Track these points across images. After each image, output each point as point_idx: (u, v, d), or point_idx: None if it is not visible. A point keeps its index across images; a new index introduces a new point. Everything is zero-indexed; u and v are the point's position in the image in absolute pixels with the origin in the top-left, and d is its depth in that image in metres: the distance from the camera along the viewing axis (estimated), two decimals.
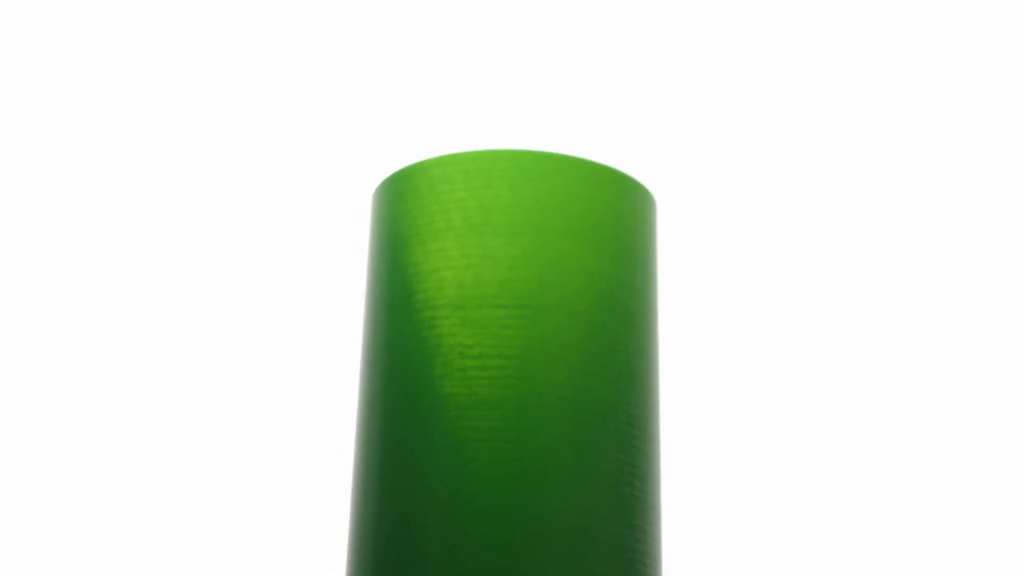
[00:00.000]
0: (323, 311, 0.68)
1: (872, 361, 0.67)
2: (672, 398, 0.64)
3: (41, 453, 0.66)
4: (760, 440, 0.65)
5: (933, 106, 0.72)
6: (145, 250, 0.70)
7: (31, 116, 0.72)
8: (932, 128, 0.71)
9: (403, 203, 0.53)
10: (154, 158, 0.71)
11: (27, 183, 0.71)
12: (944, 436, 0.66)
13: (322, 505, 0.64)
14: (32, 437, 0.66)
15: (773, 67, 0.71)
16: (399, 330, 0.51)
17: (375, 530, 0.48)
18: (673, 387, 0.65)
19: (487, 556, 0.46)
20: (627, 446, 0.49)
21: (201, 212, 0.70)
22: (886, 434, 0.66)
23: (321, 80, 0.71)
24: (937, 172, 0.71)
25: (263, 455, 0.66)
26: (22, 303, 0.69)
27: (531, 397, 0.48)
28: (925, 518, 0.64)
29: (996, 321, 0.67)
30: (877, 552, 0.64)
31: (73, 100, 0.72)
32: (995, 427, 0.65)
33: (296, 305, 0.68)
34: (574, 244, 0.51)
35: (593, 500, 0.47)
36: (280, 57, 0.72)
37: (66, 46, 0.73)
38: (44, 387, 0.67)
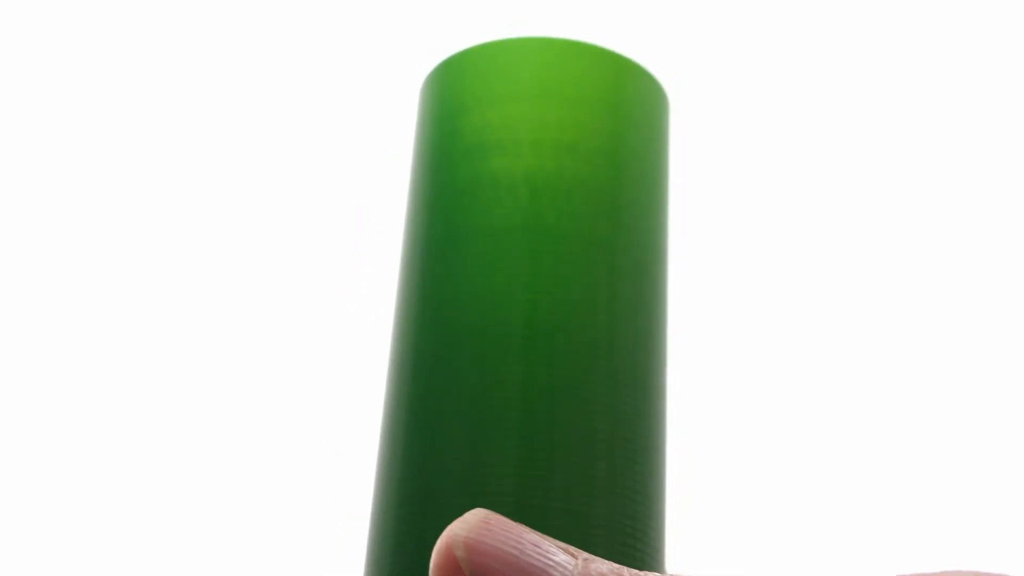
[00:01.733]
0: (373, 187, 0.75)
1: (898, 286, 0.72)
2: (682, 296, 0.71)
3: (52, 453, 0.70)
4: (764, 358, 0.71)
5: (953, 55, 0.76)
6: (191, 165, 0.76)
7: (27, 112, 0.77)
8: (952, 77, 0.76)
9: (450, 82, 0.61)
10: (178, 62, 0.77)
11: (26, 180, 0.77)
12: (947, 431, 0.69)
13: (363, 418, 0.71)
14: (39, 438, 0.71)
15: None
16: (440, 177, 0.58)
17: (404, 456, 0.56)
18: (684, 287, 0.71)
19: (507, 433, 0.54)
20: (631, 282, 0.57)
21: (241, 124, 0.76)
22: (888, 382, 0.71)
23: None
24: (963, 126, 0.76)
25: (314, 341, 0.72)
26: (25, 304, 0.74)
27: (555, 228, 0.56)
28: (929, 519, 0.68)
29: (1004, 324, 0.71)
30: (877, 546, 0.69)
31: (80, 71, 0.78)
32: (1001, 432, 0.68)
33: (339, 208, 0.75)
34: (596, 112, 0.59)
35: (602, 326, 0.55)
36: None
37: (60, 30, 0.78)
38: (56, 386, 0.73)
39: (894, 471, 0.68)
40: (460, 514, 0.52)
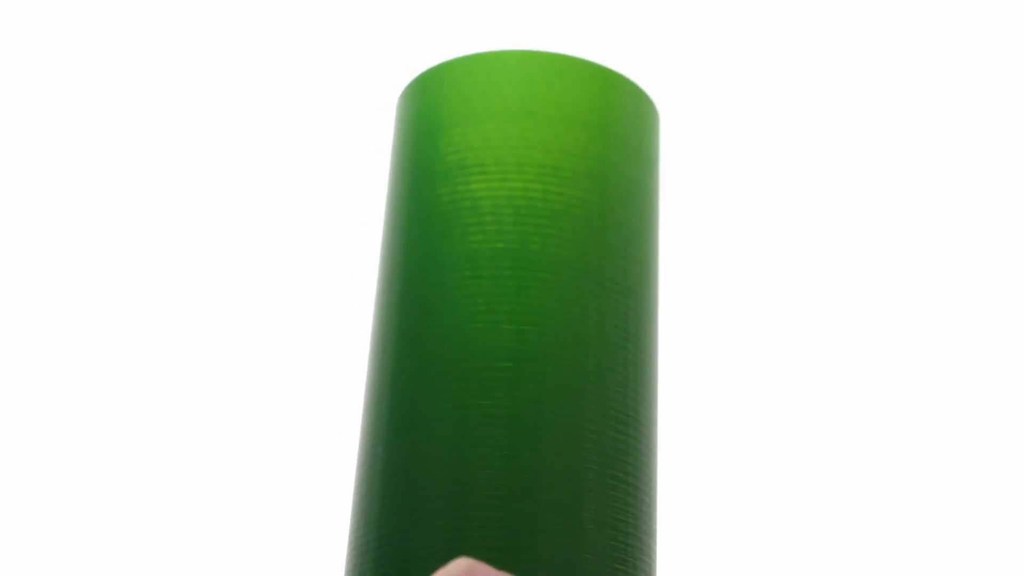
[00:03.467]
0: (348, 204, 0.72)
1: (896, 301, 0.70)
2: (673, 312, 0.68)
3: (46, 453, 0.69)
4: (760, 364, 0.69)
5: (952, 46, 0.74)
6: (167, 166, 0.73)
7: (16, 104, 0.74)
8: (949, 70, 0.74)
9: (429, 98, 0.58)
10: (166, 69, 0.74)
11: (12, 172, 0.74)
12: (943, 433, 0.68)
13: (338, 376, 0.68)
14: (35, 437, 0.69)
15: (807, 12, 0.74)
16: (419, 200, 0.55)
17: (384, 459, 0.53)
18: (674, 277, 0.69)
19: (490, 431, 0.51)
20: (621, 314, 0.54)
21: (215, 130, 0.74)
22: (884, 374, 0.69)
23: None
24: (960, 115, 0.73)
25: (288, 333, 0.70)
26: (23, 303, 0.72)
27: (540, 255, 0.53)
28: (924, 522, 0.67)
29: (996, 321, 0.70)
30: (872, 548, 0.67)
31: (62, 66, 0.75)
32: (995, 432, 0.67)
33: (325, 202, 0.72)
34: (584, 132, 0.56)
35: (587, 357, 0.52)
36: None
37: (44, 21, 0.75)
38: (50, 386, 0.70)
39: (888, 486, 0.66)
40: (443, 561, 0.49)
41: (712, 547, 0.66)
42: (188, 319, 0.70)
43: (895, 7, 0.74)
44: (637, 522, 0.52)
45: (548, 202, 0.54)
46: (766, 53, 0.75)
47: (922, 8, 0.74)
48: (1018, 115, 0.72)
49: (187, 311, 0.70)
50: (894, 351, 0.69)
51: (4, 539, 0.66)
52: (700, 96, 0.74)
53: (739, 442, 0.68)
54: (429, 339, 0.53)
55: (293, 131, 0.74)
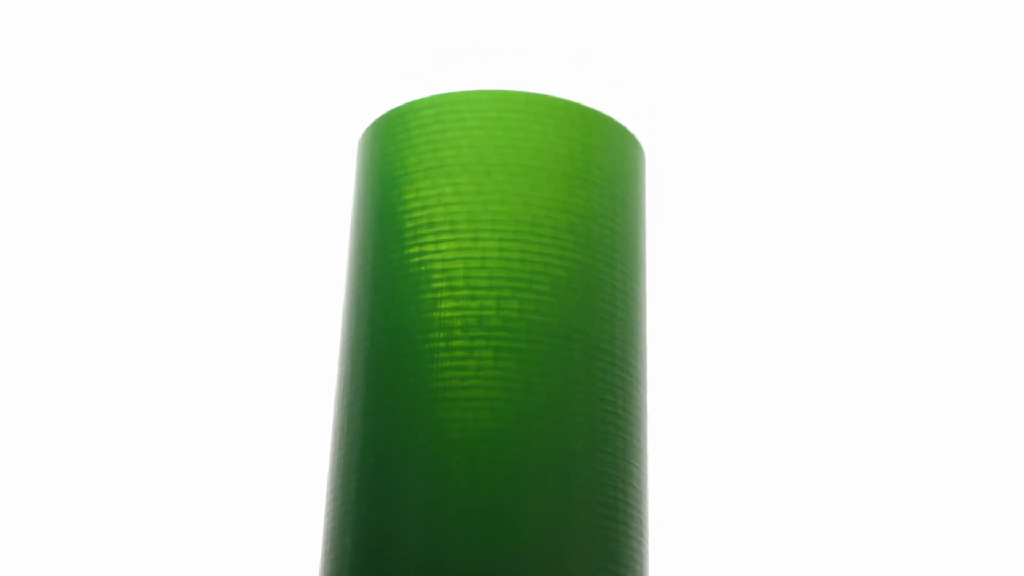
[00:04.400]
0: (306, 253, 0.67)
1: (870, 328, 0.67)
2: (658, 347, 0.64)
3: (39, 452, 0.65)
4: (754, 401, 0.65)
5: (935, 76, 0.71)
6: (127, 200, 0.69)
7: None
8: (933, 100, 0.71)
9: (394, 143, 0.53)
10: (129, 110, 0.70)
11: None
12: (943, 438, 0.65)
13: (300, 445, 0.64)
14: (32, 437, 0.66)
15: (774, 21, 0.71)
16: (386, 261, 0.50)
17: (357, 469, 0.49)
18: (660, 335, 0.65)
19: (464, 490, 0.46)
20: (609, 384, 0.49)
21: (176, 162, 0.69)
22: (888, 429, 0.66)
23: (298, 20, 0.70)
24: (938, 152, 0.70)
25: (243, 398, 0.65)
26: (21, 302, 0.68)
27: (518, 322, 0.48)
28: (922, 526, 0.64)
29: (995, 322, 0.67)
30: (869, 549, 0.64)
31: (44, 62, 0.71)
32: (992, 433, 0.65)
33: (278, 252, 0.68)
34: (567, 187, 0.51)
35: (573, 434, 0.48)
36: (260, 5, 0.70)
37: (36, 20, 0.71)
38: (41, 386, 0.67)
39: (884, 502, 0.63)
40: None
41: None
42: (145, 375, 0.66)
43: (881, 47, 0.71)
44: None
45: (526, 263, 0.49)
46: (749, 79, 0.70)
47: (910, 49, 0.71)
48: (1013, 129, 0.69)
49: (144, 366, 0.66)
50: (882, 403, 0.65)
51: (4, 539, 0.63)
52: (683, 128, 0.69)
53: (730, 518, 0.64)
54: (399, 415, 0.48)
55: (241, 172, 0.69)
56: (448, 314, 0.48)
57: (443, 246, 0.49)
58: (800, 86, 0.71)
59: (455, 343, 0.48)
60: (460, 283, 0.49)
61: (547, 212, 0.50)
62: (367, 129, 0.54)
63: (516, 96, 0.52)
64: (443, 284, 0.49)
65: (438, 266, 0.49)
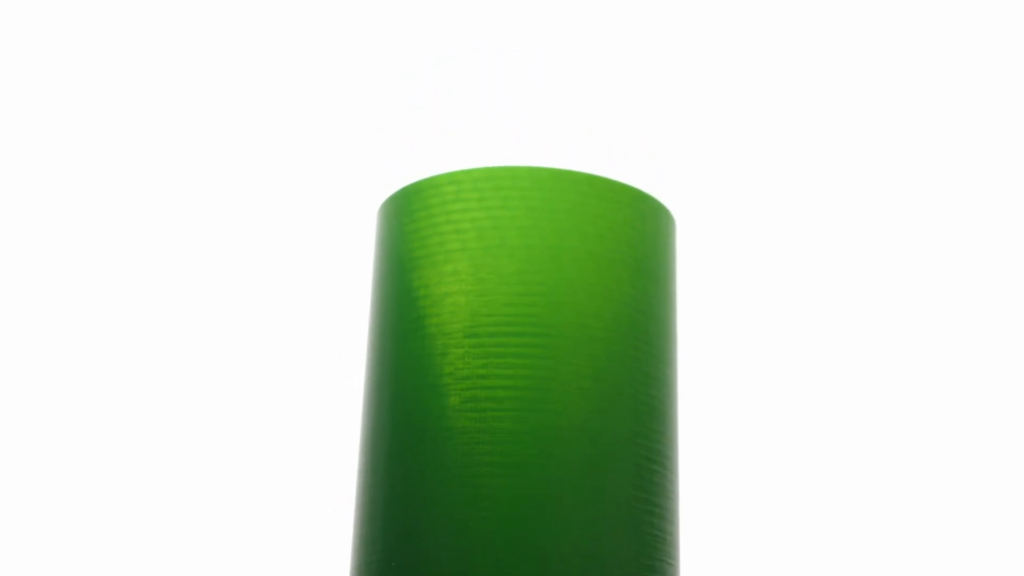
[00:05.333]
0: (326, 331, 0.66)
1: (897, 384, 0.65)
2: (692, 428, 0.62)
3: (44, 455, 0.64)
4: (783, 474, 0.63)
5: (955, 136, 0.69)
6: (142, 262, 0.67)
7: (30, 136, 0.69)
8: (956, 156, 0.69)
9: (413, 221, 0.50)
10: (149, 170, 0.68)
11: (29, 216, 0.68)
12: (971, 456, 0.64)
13: (324, 531, 0.62)
14: (35, 439, 0.65)
15: (794, 86, 0.69)
16: (409, 356, 0.48)
17: (380, 559, 0.47)
18: (693, 416, 0.63)
19: None
20: (645, 480, 0.47)
21: (195, 229, 0.68)
22: (913, 459, 0.64)
23: (323, 87, 0.68)
24: (959, 192, 0.68)
25: (264, 477, 0.64)
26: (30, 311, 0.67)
27: (545, 429, 0.46)
28: (947, 546, 0.63)
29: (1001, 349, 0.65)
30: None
31: (71, 121, 0.70)
32: (1012, 436, 0.64)
33: (298, 326, 0.66)
34: (592, 267, 0.49)
35: (608, 535, 0.46)
36: (280, 64, 0.69)
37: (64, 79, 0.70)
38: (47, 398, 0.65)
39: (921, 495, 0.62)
40: None
41: None
42: (172, 439, 0.64)
43: (900, 117, 0.68)
44: None
45: (547, 358, 0.47)
46: (759, 143, 0.68)
47: (919, 102, 0.68)
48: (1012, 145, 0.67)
49: (172, 430, 0.64)
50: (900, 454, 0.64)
51: (4, 539, 0.62)
52: (707, 194, 0.67)
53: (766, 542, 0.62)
54: (420, 511, 0.46)
55: (263, 237, 0.68)
56: (465, 422, 0.46)
57: (465, 347, 0.47)
58: (806, 152, 0.69)
59: (493, 477, 0.46)
60: (490, 405, 0.47)
61: (582, 295, 0.48)
62: (387, 200, 0.52)
63: (540, 172, 0.50)
64: (462, 381, 0.47)
65: (462, 370, 0.47)
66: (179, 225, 0.67)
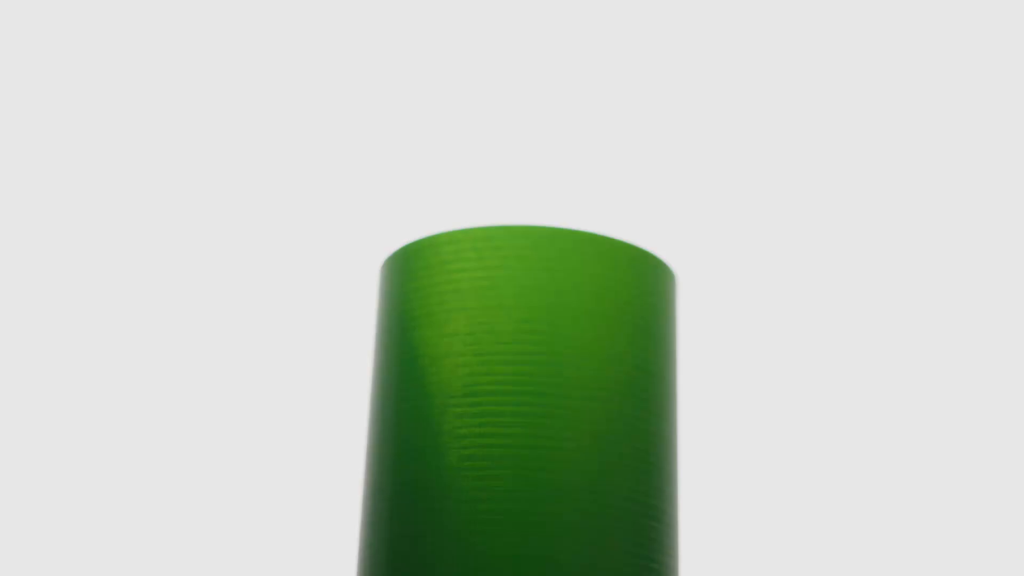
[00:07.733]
0: (327, 388, 0.66)
1: (904, 441, 0.65)
2: (692, 485, 0.62)
3: (47, 458, 0.65)
4: (784, 530, 0.63)
5: (957, 165, 0.69)
6: (148, 321, 0.68)
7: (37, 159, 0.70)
8: (957, 190, 0.69)
9: (413, 280, 0.51)
10: (155, 223, 0.69)
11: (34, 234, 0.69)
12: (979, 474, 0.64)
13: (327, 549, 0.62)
14: (37, 441, 0.65)
15: (792, 139, 0.69)
16: (409, 415, 0.49)
17: None
18: (693, 474, 0.63)
19: None
20: (644, 537, 0.47)
21: (202, 284, 0.68)
22: (918, 503, 0.64)
23: (325, 148, 0.69)
24: (958, 228, 0.68)
25: (267, 535, 0.64)
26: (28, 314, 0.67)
27: (543, 487, 0.46)
28: (953, 519, 0.62)
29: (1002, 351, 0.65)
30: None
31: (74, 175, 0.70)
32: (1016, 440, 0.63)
33: (300, 380, 0.66)
34: (591, 327, 0.49)
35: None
36: (287, 121, 0.69)
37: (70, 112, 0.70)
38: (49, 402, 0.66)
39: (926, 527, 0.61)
40: None
41: None
42: (173, 499, 0.64)
43: (908, 156, 0.68)
44: None
45: (553, 417, 0.47)
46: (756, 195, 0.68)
47: (922, 159, 0.69)
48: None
49: (174, 489, 0.65)
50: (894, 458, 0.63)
51: (4, 539, 0.62)
52: (710, 251, 0.67)
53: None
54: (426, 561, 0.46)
55: (268, 288, 0.68)
56: (464, 482, 0.47)
57: (464, 407, 0.48)
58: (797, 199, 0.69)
59: (490, 517, 0.46)
60: (491, 471, 0.47)
61: (571, 360, 0.48)
62: (389, 258, 0.53)
63: (537, 232, 0.50)
64: (482, 467, 0.47)
65: (461, 430, 0.47)
66: (186, 280, 0.68)
